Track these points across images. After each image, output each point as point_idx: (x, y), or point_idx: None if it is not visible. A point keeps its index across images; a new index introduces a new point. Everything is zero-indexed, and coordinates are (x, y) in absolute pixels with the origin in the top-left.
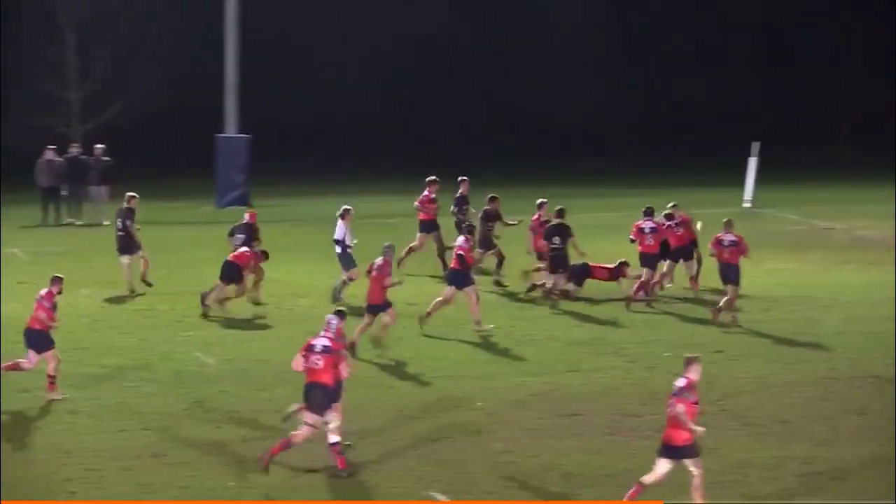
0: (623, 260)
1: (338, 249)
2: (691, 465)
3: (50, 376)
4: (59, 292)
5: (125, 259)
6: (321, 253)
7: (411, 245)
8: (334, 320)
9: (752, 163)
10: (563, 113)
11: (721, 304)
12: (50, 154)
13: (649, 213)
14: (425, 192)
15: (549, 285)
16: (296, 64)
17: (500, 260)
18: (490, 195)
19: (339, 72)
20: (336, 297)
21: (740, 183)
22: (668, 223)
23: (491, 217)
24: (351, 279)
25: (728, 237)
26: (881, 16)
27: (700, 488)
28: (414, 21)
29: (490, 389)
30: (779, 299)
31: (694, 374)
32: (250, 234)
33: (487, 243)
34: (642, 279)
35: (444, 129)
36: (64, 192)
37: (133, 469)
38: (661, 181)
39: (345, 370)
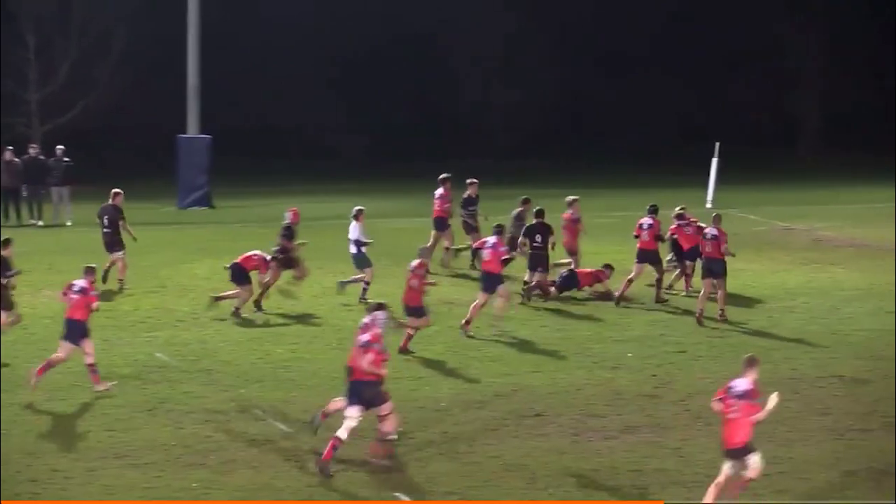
0: (607, 263)
1: (353, 249)
2: (728, 467)
3: (90, 365)
4: (95, 281)
5: (114, 256)
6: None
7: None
8: (381, 316)
9: (715, 163)
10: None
11: (720, 306)
12: (9, 155)
13: (653, 210)
14: (441, 190)
15: (530, 282)
16: (259, 66)
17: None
18: (523, 197)
19: (303, 74)
20: (341, 288)
21: (703, 184)
22: (679, 223)
23: (522, 220)
24: (367, 280)
25: (711, 231)
26: (844, 17)
27: (731, 489)
28: (368, 24)
29: (454, 390)
30: (741, 299)
31: (755, 374)
32: (290, 233)
33: (516, 245)
34: (630, 277)
35: (397, 131)
36: (24, 193)
37: (97, 470)
38: (625, 182)
39: (365, 362)
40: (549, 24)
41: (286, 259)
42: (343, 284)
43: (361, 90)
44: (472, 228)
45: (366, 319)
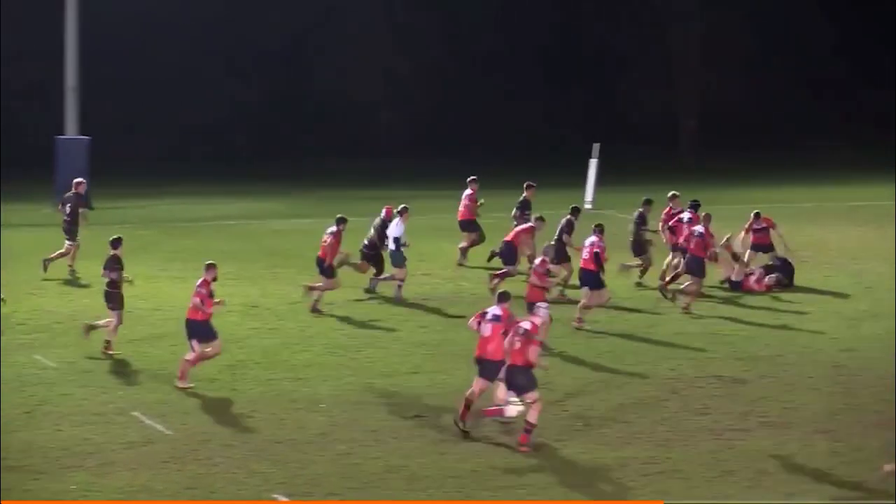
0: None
1: (392, 246)
2: None
3: (187, 361)
4: (215, 279)
5: (67, 244)
6: (163, 254)
7: (461, 246)
8: (543, 307)
9: (593, 164)
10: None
11: (682, 287)
12: None
13: (694, 206)
14: (469, 191)
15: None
16: (136, 65)
17: (646, 268)
18: (646, 198)
19: (181, 73)
20: (372, 289)
21: (581, 184)
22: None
23: (644, 220)
24: (401, 279)
25: (697, 228)
26: (719, 18)
27: None
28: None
29: (334, 391)
30: (621, 300)
31: None
32: (384, 228)
33: (640, 248)
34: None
35: (276, 130)
36: None
37: None
38: (503, 183)
39: (532, 355)
40: (433, 25)
41: (371, 255)
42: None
43: (240, 89)
44: None
45: (497, 311)
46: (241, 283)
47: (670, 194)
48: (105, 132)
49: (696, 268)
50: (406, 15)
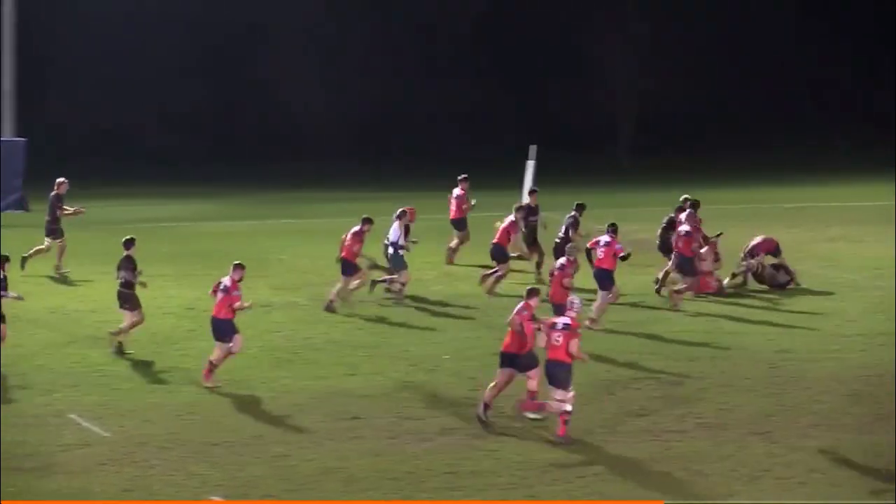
0: None
1: (389, 250)
2: None
3: (212, 363)
4: (241, 279)
5: (48, 241)
6: (99, 257)
7: (450, 246)
8: (577, 301)
9: (530, 166)
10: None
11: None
12: None
13: (694, 205)
14: (458, 191)
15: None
16: (73, 68)
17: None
18: (679, 204)
19: (118, 75)
20: (397, 299)
21: (517, 186)
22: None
23: (673, 224)
24: (403, 282)
25: (684, 227)
26: (658, 22)
27: None
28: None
29: (270, 393)
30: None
31: None
32: (406, 231)
33: (668, 246)
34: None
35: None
36: None
37: None
38: (439, 186)
39: (574, 347)
40: (370, 29)
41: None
42: (374, 284)
43: (178, 92)
44: (533, 241)
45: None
46: (178, 285)
47: (682, 198)
48: (46, 133)
49: (685, 267)
50: (382, 15)
